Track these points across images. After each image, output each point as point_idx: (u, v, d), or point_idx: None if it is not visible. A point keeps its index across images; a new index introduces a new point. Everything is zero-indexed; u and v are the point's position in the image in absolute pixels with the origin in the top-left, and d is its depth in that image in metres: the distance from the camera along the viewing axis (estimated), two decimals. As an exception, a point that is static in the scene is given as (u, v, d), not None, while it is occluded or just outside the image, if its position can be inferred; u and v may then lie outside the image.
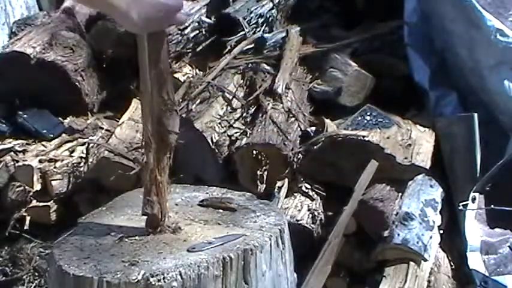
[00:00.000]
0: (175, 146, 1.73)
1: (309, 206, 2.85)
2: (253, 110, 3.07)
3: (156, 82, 1.66)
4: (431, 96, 3.26)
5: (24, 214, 2.96)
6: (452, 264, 2.87)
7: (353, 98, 3.22)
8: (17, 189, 2.94)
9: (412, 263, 2.69)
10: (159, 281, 1.54)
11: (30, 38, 3.30)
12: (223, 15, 3.44)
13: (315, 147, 2.89)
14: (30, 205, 2.96)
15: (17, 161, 2.98)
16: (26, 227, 2.97)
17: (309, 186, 2.91)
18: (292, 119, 3.04)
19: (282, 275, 1.77)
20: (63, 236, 1.77)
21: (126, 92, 3.23)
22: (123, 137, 3.04)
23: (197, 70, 3.35)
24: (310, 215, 2.82)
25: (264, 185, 2.86)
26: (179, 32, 3.29)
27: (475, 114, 2.98)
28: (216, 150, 2.89)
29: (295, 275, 1.91)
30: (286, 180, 2.88)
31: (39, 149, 3.07)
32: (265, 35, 3.42)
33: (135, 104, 3.21)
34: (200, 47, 3.39)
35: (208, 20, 3.43)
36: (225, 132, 2.96)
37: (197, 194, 1.98)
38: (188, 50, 3.38)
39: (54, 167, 2.99)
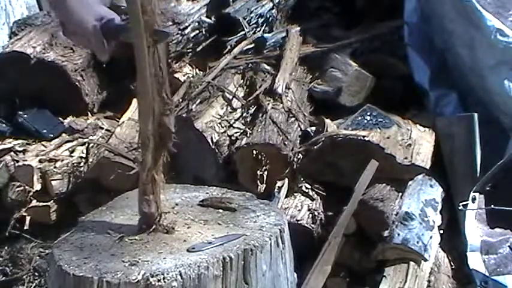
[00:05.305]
0: (171, 145, 1.73)
1: (309, 206, 2.85)
2: (253, 110, 3.08)
3: (156, 82, 1.67)
4: (431, 96, 3.26)
5: (24, 214, 2.96)
6: (452, 264, 2.87)
7: (353, 98, 3.22)
8: (17, 189, 2.94)
9: (412, 263, 2.69)
10: (159, 281, 1.54)
11: (30, 38, 3.30)
12: (223, 15, 3.44)
13: (315, 147, 2.89)
14: (30, 205, 2.96)
15: (17, 161, 2.98)
16: (26, 227, 2.97)
17: (309, 186, 2.91)
18: (292, 119, 3.04)
19: (282, 275, 1.77)
20: (63, 236, 1.77)
21: (126, 92, 3.23)
22: (123, 137, 3.04)
23: (197, 70, 3.35)
24: (310, 215, 2.82)
25: (264, 185, 2.86)
26: (179, 32, 3.29)
27: (475, 114, 2.98)
28: (216, 150, 2.89)
29: (295, 275, 1.91)
30: (286, 180, 2.88)
31: (39, 149, 3.07)
32: (265, 35, 3.42)
33: (135, 104, 3.21)
34: (200, 47, 3.39)
35: (208, 20, 3.43)
36: (225, 132, 2.96)
37: (197, 194, 1.98)
38: (188, 50, 3.38)
39: (54, 167, 2.99)
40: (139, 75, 1.66)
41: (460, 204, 2.80)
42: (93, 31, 1.70)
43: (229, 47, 3.34)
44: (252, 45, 3.37)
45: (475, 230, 2.83)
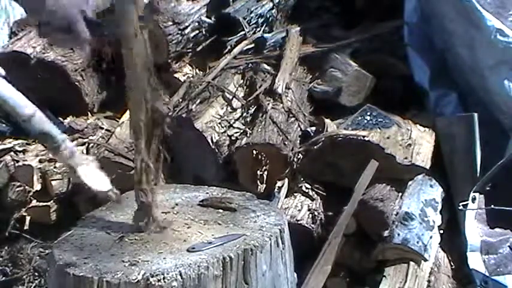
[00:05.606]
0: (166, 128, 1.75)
1: (309, 206, 2.85)
2: (253, 110, 3.08)
3: (146, 71, 1.69)
4: (431, 96, 3.26)
5: (24, 214, 2.96)
6: (452, 264, 2.87)
7: (353, 98, 3.22)
8: (17, 189, 2.94)
9: (412, 263, 2.69)
10: (159, 281, 1.54)
11: (30, 38, 3.30)
12: (223, 15, 3.44)
13: (315, 147, 2.89)
14: (30, 205, 2.97)
15: (17, 161, 2.98)
16: (26, 227, 2.97)
17: (309, 186, 2.91)
18: (292, 119, 3.04)
19: (282, 275, 1.77)
20: (63, 236, 1.77)
21: (126, 92, 3.22)
22: (123, 137, 3.04)
23: (197, 70, 3.35)
24: (310, 215, 2.82)
25: (264, 185, 2.86)
26: (179, 32, 3.29)
27: (475, 114, 2.98)
28: (216, 150, 2.89)
29: (295, 275, 1.91)
30: (286, 180, 2.88)
31: (39, 149, 3.07)
32: (265, 35, 3.42)
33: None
34: (200, 47, 3.39)
35: (208, 20, 3.43)
36: (225, 132, 2.97)
37: (197, 194, 1.98)
38: (188, 50, 3.38)
39: (54, 167, 2.99)
40: (129, 65, 1.68)
41: (460, 204, 2.80)
42: (79, 22, 1.73)
43: (229, 47, 3.34)
44: (252, 45, 3.37)
45: (475, 230, 2.83)
